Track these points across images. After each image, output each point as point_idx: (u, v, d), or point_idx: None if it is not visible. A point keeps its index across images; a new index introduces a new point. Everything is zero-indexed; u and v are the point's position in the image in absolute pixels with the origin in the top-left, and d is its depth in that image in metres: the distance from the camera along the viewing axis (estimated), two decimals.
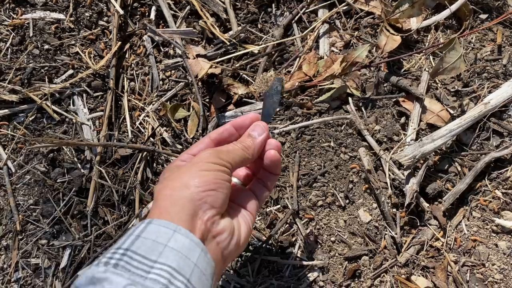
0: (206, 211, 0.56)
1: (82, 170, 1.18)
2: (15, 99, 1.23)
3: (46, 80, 1.27)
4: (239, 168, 0.70)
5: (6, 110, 1.24)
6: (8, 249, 1.13)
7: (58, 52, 1.30)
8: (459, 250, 1.06)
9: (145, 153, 1.22)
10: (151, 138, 1.25)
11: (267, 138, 0.70)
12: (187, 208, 0.55)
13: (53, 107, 1.25)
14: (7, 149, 1.22)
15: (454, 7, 1.32)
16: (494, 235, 1.07)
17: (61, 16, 1.33)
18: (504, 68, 1.24)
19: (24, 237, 1.14)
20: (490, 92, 1.20)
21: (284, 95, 0.87)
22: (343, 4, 1.39)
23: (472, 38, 1.31)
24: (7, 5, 1.32)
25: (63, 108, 1.26)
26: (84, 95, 1.28)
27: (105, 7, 1.38)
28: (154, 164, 1.23)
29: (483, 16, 1.34)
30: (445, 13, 1.34)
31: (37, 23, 1.30)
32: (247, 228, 0.66)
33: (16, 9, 1.32)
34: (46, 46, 1.29)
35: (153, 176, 1.22)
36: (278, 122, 1.26)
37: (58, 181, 1.17)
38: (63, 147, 1.21)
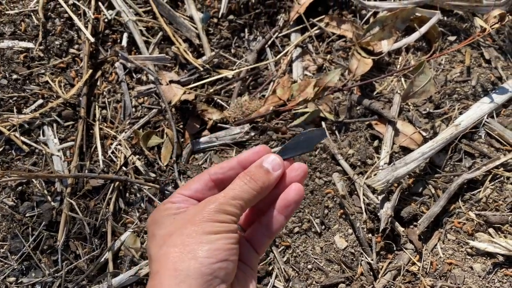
0: (216, 287, 0.47)
1: (52, 203, 1.15)
2: None
3: (15, 110, 1.24)
4: None
5: None
6: None
7: (27, 81, 1.28)
8: (435, 274, 1.06)
9: (117, 183, 1.20)
10: (123, 167, 1.22)
11: (281, 175, 0.56)
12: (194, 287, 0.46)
13: (22, 138, 1.22)
14: None
15: (423, 29, 1.34)
16: (469, 257, 1.07)
17: (30, 45, 1.31)
18: (473, 89, 1.26)
19: None
20: (460, 113, 1.22)
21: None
22: (315, 28, 1.40)
23: (442, 60, 1.33)
24: None
25: (33, 139, 1.23)
26: (55, 125, 1.25)
27: (75, 35, 1.36)
28: (127, 194, 1.21)
29: (452, 38, 1.36)
30: (415, 35, 1.36)
31: (5, 53, 1.28)
32: None
33: None
34: (15, 76, 1.27)
35: (125, 207, 1.19)
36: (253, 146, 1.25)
37: (27, 215, 1.14)
38: (33, 179, 1.18)
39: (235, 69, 1.37)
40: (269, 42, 1.42)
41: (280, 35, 1.42)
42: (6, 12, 1.33)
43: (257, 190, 0.53)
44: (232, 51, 1.41)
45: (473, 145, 1.18)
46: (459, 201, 1.13)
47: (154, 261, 0.49)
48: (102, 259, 1.11)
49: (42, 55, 1.31)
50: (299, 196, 0.56)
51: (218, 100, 1.35)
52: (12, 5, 1.35)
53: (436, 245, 1.10)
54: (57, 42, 1.33)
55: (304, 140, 0.59)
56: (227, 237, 0.49)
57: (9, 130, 1.21)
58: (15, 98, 1.25)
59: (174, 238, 0.49)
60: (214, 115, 1.31)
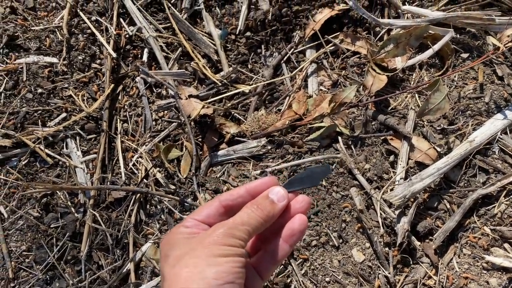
0: None
1: (75, 214, 1.18)
2: (8, 144, 1.23)
3: (39, 123, 1.28)
4: None
5: None
6: None
7: (51, 95, 1.32)
8: None
9: (138, 195, 1.23)
10: (144, 180, 1.25)
11: (286, 206, 0.60)
12: None
13: (46, 150, 1.25)
14: None
15: (436, 46, 1.37)
16: (485, 272, 1.09)
17: (54, 60, 1.35)
18: (486, 106, 1.29)
19: (17, 285, 1.13)
20: (474, 129, 1.25)
21: (322, 182, 0.67)
22: (330, 44, 1.44)
23: (455, 77, 1.36)
24: (1, 50, 1.34)
25: (56, 152, 1.27)
26: (78, 138, 1.29)
27: (98, 50, 1.40)
28: (148, 206, 1.24)
29: (465, 55, 1.39)
30: (429, 52, 1.39)
31: (31, 68, 1.32)
32: None
33: (10, 54, 1.34)
34: (40, 90, 1.31)
35: (146, 218, 1.22)
36: (270, 160, 1.28)
37: (51, 226, 1.17)
38: (57, 191, 1.21)
39: (252, 84, 1.41)
40: (285, 58, 1.45)
41: (295, 51, 1.46)
42: (32, 28, 1.37)
43: (263, 218, 0.57)
44: (249, 66, 1.44)
45: (487, 161, 1.21)
46: (474, 216, 1.15)
47: (166, 279, 0.53)
48: (124, 270, 1.14)
49: (65, 69, 1.35)
50: (303, 226, 0.60)
51: (236, 114, 1.38)
52: (37, 21, 1.40)
53: (452, 259, 1.12)
54: (80, 57, 1.37)
55: (309, 175, 0.63)
56: (235, 261, 0.52)
57: (34, 142, 1.25)
58: (39, 112, 1.29)
59: (186, 259, 0.52)
60: (231, 129, 1.35)
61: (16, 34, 1.35)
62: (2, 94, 1.29)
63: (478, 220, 1.15)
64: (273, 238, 0.60)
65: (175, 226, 0.60)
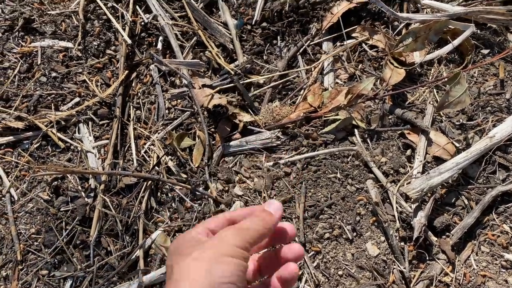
0: None
1: (86, 199, 1.17)
2: (21, 126, 1.22)
3: (52, 107, 1.27)
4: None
5: (11, 137, 1.23)
6: (7, 279, 1.10)
7: (65, 80, 1.31)
8: (469, 286, 1.05)
9: (149, 182, 1.21)
10: (156, 167, 1.24)
11: (281, 217, 0.66)
12: None
13: (59, 134, 1.24)
14: (10, 176, 1.20)
15: (456, 42, 1.35)
16: (504, 270, 1.06)
17: (69, 44, 1.34)
18: (507, 102, 1.26)
19: (25, 267, 1.11)
20: (494, 125, 1.21)
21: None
22: (351, 40, 1.41)
23: (474, 73, 1.33)
24: (17, 33, 1.33)
25: (69, 136, 1.25)
26: (90, 123, 1.28)
27: (113, 37, 1.39)
28: (159, 193, 1.22)
29: (485, 51, 1.36)
30: (448, 47, 1.36)
31: (45, 51, 1.31)
32: None
33: (25, 37, 1.33)
34: (54, 74, 1.30)
35: (157, 206, 1.20)
36: (284, 152, 1.26)
37: (61, 209, 1.15)
38: (68, 175, 1.20)
39: (266, 75, 1.38)
40: (301, 50, 1.43)
41: (312, 43, 1.44)
42: (48, 12, 1.37)
43: (263, 226, 0.61)
44: (264, 57, 1.43)
45: (507, 157, 1.17)
46: (493, 213, 1.12)
47: (174, 272, 0.57)
48: (133, 256, 1.12)
49: (80, 54, 1.34)
50: (292, 275, 0.62)
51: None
52: (53, 6, 1.39)
53: (469, 256, 1.08)
54: (95, 43, 1.36)
55: None
56: (240, 264, 0.56)
57: (46, 126, 1.24)
58: (53, 95, 1.28)
59: (196, 254, 0.56)
60: (245, 118, 1.32)
61: (32, 18, 1.35)
62: (17, 77, 1.29)
63: (497, 218, 1.11)
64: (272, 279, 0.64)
65: (186, 231, 0.65)
